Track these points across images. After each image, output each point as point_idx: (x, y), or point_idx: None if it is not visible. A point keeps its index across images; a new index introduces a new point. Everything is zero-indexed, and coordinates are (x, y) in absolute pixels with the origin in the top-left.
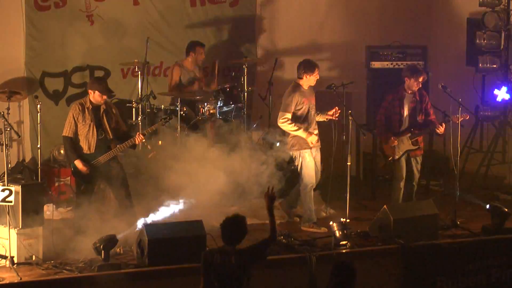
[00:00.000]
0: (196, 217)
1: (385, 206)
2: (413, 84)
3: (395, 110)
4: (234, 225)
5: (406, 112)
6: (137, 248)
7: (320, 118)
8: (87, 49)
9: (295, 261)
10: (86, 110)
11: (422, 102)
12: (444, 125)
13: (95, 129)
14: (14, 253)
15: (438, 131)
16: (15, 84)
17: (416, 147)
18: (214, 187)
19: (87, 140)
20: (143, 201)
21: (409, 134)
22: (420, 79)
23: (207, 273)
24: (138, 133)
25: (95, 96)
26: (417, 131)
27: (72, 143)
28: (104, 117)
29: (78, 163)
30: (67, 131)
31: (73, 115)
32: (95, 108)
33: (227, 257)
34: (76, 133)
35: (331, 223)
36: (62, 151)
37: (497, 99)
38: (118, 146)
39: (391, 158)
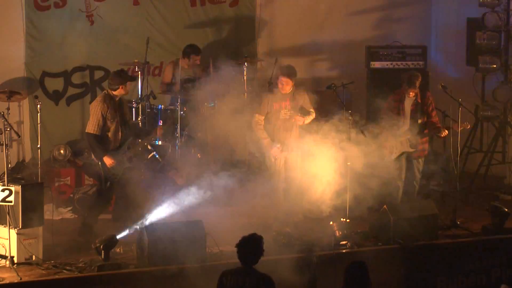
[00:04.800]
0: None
1: (385, 206)
2: (406, 91)
3: (395, 111)
4: (250, 245)
5: (406, 113)
6: (137, 248)
7: None
8: (87, 49)
9: (295, 261)
10: (113, 106)
11: (424, 104)
12: (446, 130)
13: (120, 126)
14: (14, 253)
15: (440, 135)
16: (15, 84)
17: (413, 150)
18: None
19: (115, 138)
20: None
21: (408, 136)
22: (410, 91)
23: None
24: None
25: (126, 89)
26: (416, 133)
27: (98, 139)
28: (125, 113)
29: (107, 159)
30: (94, 128)
31: (101, 112)
32: (119, 104)
33: (240, 278)
34: (103, 130)
35: (331, 223)
36: (62, 151)
37: None
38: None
39: (386, 157)
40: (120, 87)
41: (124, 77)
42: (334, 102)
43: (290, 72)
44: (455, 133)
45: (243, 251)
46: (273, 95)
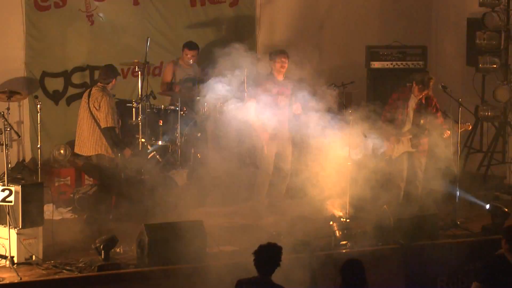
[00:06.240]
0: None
1: (385, 206)
2: (415, 91)
3: (398, 110)
4: (268, 254)
5: (409, 113)
6: (137, 248)
7: None
8: (87, 49)
9: (295, 261)
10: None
11: (428, 105)
12: (448, 131)
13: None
14: (14, 253)
15: (443, 136)
16: (15, 84)
17: (414, 150)
18: None
19: None
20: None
21: (410, 136)
22: (423, 93)
23: None
24: None
25: (114, 84)
26: (419, 134)
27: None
28: None
29: (127, 151)
30: (112, 122)
31: (112, 104)
32: None
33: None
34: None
35: (331, 223)
36: (62, 151)
37: None
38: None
39: (387, 156)
40: (113, 80)
41: (115, 70)
42: (334, 102)
43: (286, 53)
44: (455, 133)
45: (259, 259)
46: (272, 82)
